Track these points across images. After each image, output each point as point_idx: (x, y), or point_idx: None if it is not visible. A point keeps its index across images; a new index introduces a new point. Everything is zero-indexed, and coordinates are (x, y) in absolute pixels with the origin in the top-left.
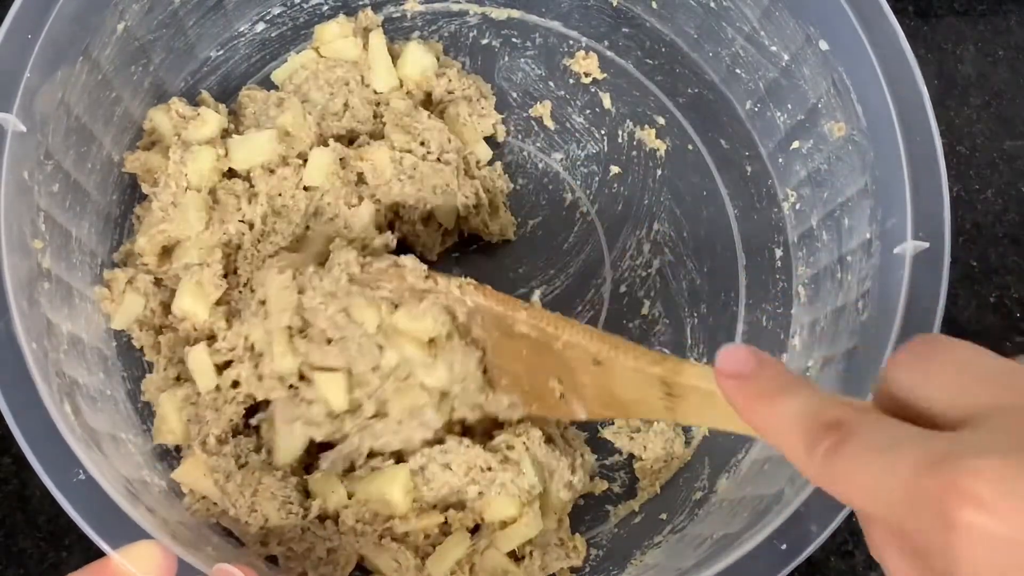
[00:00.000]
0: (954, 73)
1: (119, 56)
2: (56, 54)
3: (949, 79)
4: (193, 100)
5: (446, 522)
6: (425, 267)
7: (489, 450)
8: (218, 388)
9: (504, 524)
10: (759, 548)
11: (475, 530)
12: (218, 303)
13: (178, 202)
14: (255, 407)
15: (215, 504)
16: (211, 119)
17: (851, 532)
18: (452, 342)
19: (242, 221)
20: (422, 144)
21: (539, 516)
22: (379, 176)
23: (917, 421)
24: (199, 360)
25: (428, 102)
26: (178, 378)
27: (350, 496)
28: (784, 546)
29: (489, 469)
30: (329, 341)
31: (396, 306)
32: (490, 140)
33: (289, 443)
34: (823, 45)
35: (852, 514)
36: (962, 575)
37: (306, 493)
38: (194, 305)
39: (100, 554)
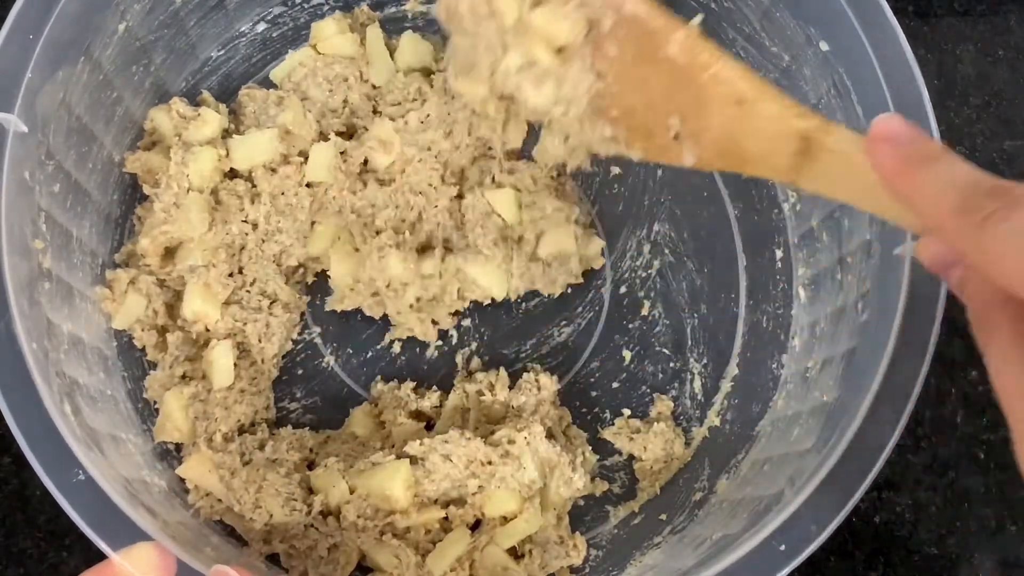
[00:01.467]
0: (954, 73)
1: (120, 56)
2: (57, 54)
3: (949, 79)
4: (194, 100)
5: (447, 518)
6: None
7: (490, 444)
8: (230, 387)
9: (504, 519)
10: (758, 549)
11: (475, 528)
12: (226, 303)
13: (180, 203)
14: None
15: (219, 501)
16: (211, 119)
17: (851, 532)
18: (576, 60)
19: (245, 221)
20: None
21: (539, 512)
22: (389, 150)
23: None
24: (222, 357)
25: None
26: (183, 376)
27: (352, 491)
28: (783, 547)
29: (489, 463)
30: None
31: (537, 3)
32: None
33: None
34: (823, 46)
35: (852, 515)
36: None
37: (309, 491)
38: (204, 306)
39: (100, 554)
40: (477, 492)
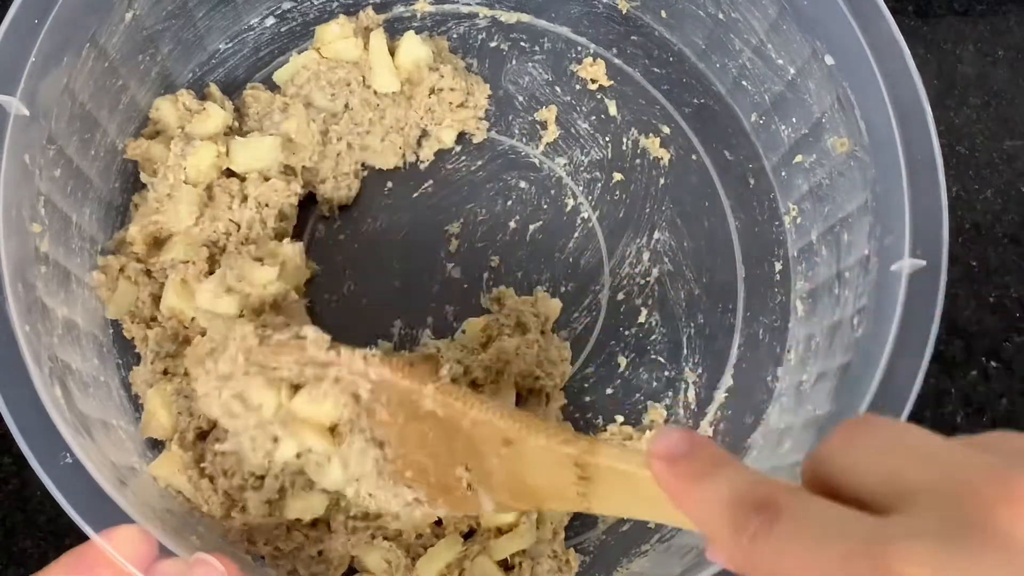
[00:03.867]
0: (954, 73)
1: (127, 45)
2: (62, 40)
3: (949, 79)
4: (200, 92)
5: (440, 524)
6: (328, 337)
7: None
8: None
9: (500, 531)
10: None
11: (468, 535)
12: None
13: (173, 195)
14: None
15: (189, 500)
16: (216, 115)
17: None
18: (353, 435)
19: (232, 221)
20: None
21: (535, 528)
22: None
23: (847, 503)
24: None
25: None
26: (165, 372)
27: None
28: None
29: None
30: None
31: (296, 388)
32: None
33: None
34: (828, 60)
35: None
36: None
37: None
38: (179, 303)
39: None
40: None
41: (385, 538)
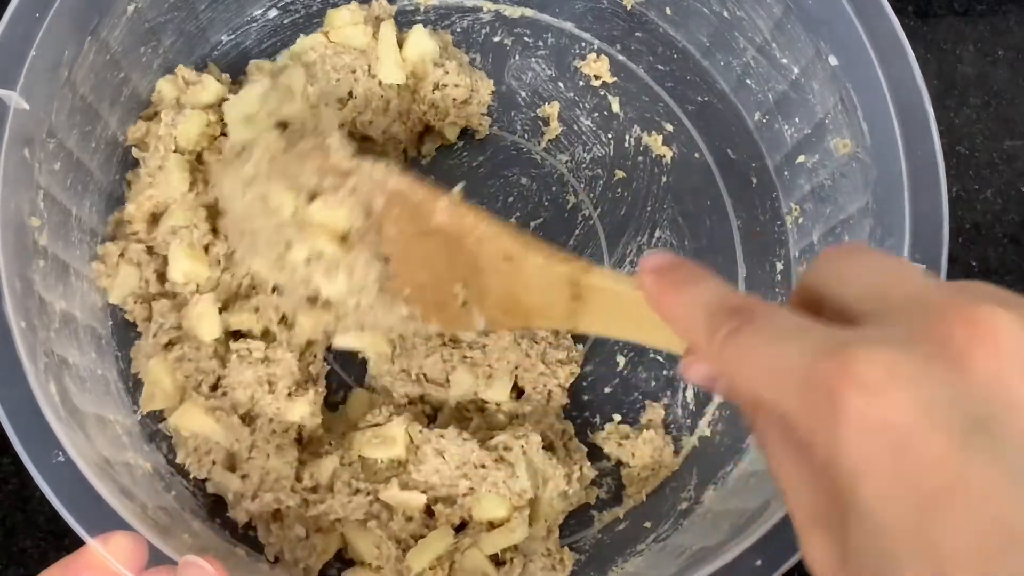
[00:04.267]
0: (954, 73)
1: (129, 37)
2: (64, 32)
3: (949, 79)
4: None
5: (430, 512)
6: (352, 147)
7: (485, 448)
8: (219, 340)
9: (491, 525)
10: (735, 562)
11: (459, 529)
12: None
13: (164, 165)
14: None
15: (207, 454)
16: (211, 87)
17: None
18: (362, 247)
19: None
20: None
21: (526, 523)
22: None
23: (827, 319)
24: (206, 307)
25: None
26: (167, 344)
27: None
28: (759, 562)
29: (483, 466)
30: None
31: (313, 197)
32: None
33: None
34: (832, 60)
35: None
36: (843, 463)
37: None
38: (193, 265)
39: None
40: (467, 494)
41: (376, 516)
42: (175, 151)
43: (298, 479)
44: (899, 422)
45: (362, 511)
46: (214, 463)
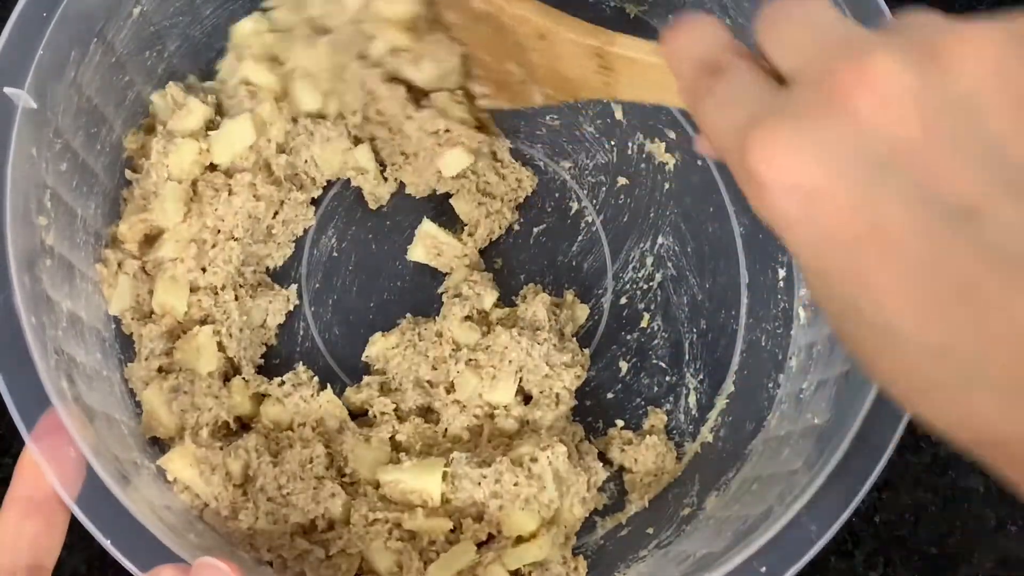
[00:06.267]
0: None
1: (134, 40)
2: (70, 33)
3: None
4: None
5: (454, 530)
6: None
7: (515, 463)
8: (211, 375)
9: (520, 539)
10: (740, 568)
11: (480, 543)
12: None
13: (159, 192)
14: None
15: (198, 497)
16: (196, 110)
17: (851, 532)
18: (436, 35)
19: (219, 217)
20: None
21: (553, 541)
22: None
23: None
24: (205, 339)
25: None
26: (159, 370)
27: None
28: (763, 568)
29: (515, 484)
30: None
31: None
32: None
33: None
34: None
35: (852, 514)
36: (777, 228)
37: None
38: (170, 299)
39: (101, 553)
40: (497, 511)
41: (399, 539)
42: (168, 179)
43: (305, 531)
44: (806, 184)
45: (382, 539)
46: (206, 507)
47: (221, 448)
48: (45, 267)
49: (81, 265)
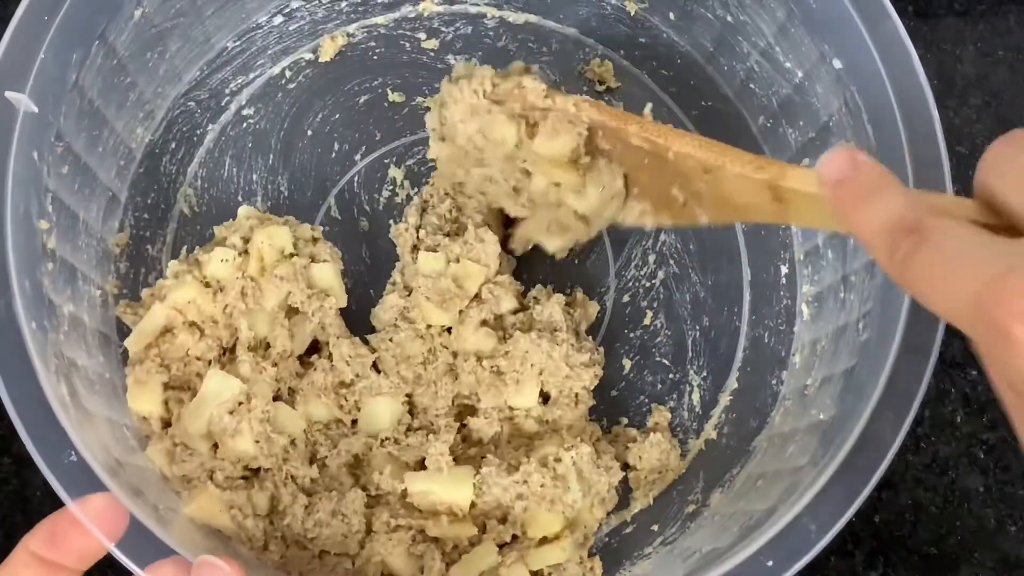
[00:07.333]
0: (954, 73)
1: (135, 42)
2: (72, 36)
3: (949, 79)
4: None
5: (477, 532)
6: (544, 86)
7: (541, 463)
8: (215, 446)
9: (543, 540)
10: (746, 563)
11: (502, 544)
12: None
13: (176, 335)
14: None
15: (229, 537)
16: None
17: (851, 532)
18: (597, 163)
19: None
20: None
21: (576, 544)
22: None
23: (1008, 225)
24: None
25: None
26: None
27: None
28: (770, 563)
29: (541, 486)
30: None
31: (534, 127)
32: None
33: None
34: (837, 63)
35: (854, 515)
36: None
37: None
38: (141, 405)
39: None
40: (522, 513)
41: (423, 541)
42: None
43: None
44: None
45: (404, 546)
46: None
47: (244, 486)
48: (46, 271)
49: (83, 268)
